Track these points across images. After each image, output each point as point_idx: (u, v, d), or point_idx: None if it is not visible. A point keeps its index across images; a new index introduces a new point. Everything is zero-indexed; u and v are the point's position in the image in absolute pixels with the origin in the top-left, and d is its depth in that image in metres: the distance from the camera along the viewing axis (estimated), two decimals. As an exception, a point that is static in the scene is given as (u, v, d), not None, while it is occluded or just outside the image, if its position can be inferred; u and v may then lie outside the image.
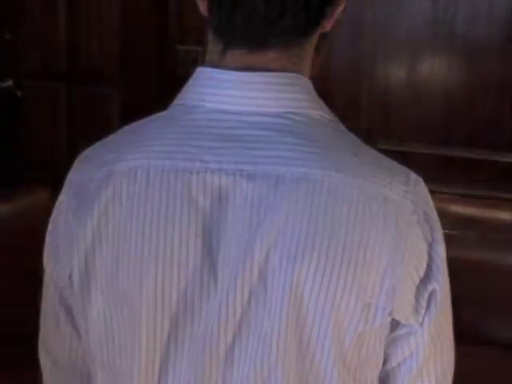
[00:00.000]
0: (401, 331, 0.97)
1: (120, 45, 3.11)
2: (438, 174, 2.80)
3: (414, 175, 0.97)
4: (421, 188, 0.96)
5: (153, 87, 3.12)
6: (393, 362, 0.99)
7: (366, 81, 2.93)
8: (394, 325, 0.96)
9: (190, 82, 0.96)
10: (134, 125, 0.99)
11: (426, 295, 0.95)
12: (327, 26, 0.99)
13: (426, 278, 0.95)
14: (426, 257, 0.95)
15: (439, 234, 0.97)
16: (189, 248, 0.91)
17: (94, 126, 3.08)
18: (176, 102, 0.97)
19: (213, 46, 0.96)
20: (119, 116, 3.12)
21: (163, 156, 0.92)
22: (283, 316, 0.90)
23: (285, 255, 0.89)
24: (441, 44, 2.85)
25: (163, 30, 3.08)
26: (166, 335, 0.94)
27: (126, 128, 0.99)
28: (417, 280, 0.94)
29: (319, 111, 0.96)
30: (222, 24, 0.94)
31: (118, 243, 0.93)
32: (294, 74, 0.95)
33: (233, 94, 0.93)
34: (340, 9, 0.99)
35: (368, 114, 2.94)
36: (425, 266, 0.95)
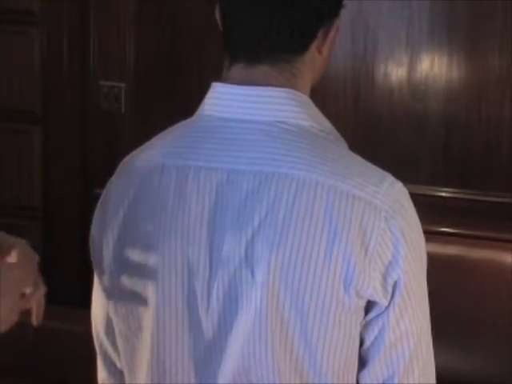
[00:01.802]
0: (371, 315, 1.07)
1: (41, 82, 3.09)
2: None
3: (390, 179, 1.08)
4: (395, 190, 1.07)
5: (77, 122, 3.08)
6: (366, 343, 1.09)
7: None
8: (367, 308, 1.07)
9: (207, 95, 1.13)
10: (167, 130, 1.17)
11: (391, 282, 1.05)
12: (323, 49, 1.12)
13: (391, 266, 1.05)
14: (391, 248, 1.05)
15: (408, 229, 1.07)
16: (195, 232, 1.07)
17: (16, 163, 3.05)
18: (197, 111, 1.14)
19: (224, 62, 1.13)
20: (41, 152, 3.09)
21: (175, 156, 1.09)
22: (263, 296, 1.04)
23: (265, 243, 1.03)
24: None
25: (86, 66, 3.07)
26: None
27: (161, 133, 1.17)
28: (382, 268, 1.05)
29: (310, 122, 1.09)
30: (227, 41, 1.12)
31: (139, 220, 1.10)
32: (286, 89, 1.09)
33: (233, 105, 1.09)
34: (333, 34, 1.12)
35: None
36: (390, 256, 1.05)
